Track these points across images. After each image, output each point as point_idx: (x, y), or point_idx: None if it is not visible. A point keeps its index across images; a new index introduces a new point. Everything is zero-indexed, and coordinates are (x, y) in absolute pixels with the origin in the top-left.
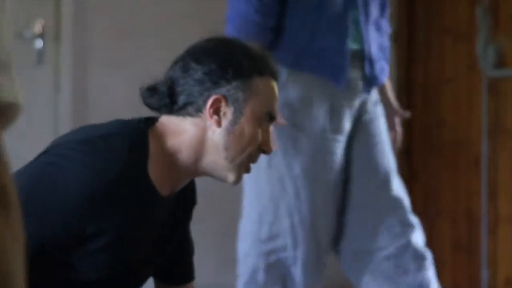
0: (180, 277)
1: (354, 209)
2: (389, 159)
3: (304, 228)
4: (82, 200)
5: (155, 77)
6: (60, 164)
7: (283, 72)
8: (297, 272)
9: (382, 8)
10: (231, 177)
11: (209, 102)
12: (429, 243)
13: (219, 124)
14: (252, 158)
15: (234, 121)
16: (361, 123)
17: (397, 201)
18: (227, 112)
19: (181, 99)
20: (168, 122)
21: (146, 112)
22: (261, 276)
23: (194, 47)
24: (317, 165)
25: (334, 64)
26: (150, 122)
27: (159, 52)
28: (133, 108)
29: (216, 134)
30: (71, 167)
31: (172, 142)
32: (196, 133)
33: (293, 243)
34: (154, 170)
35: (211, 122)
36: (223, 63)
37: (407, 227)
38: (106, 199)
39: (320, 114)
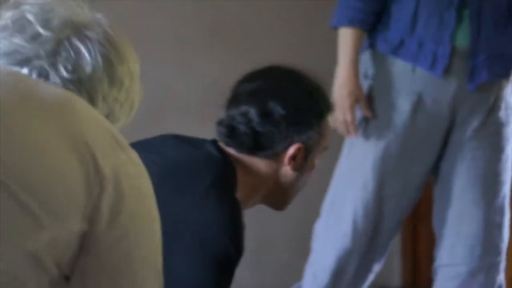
0: None
1: (436, 214)
2: (501, 176)
3: (366, 222)
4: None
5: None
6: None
7: (379, 58)
8: (350, 265)
9: None
10: (285, 207)
11: (291, 150)
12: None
13: (294, 169)
14: None
15: (306, 164)
16: (468, 125)
17: (490, 224)
18: (302, 157)
19: (259, 141)
20: (243, 159)
21: (155, 115)
22: (328, 260)
23: (271, 85)
24: (389, 160)
25: (433, 52)
26: (222, 152)
27: (163, 53)
28: (141, 112)
29: (287, 175)
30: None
31: (247, 179)
32: (269, 174)
33: (353, 234)
34: None
35: (286, 164)
36: (306, 111)
37: (491, 254)
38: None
39: (405, 108)
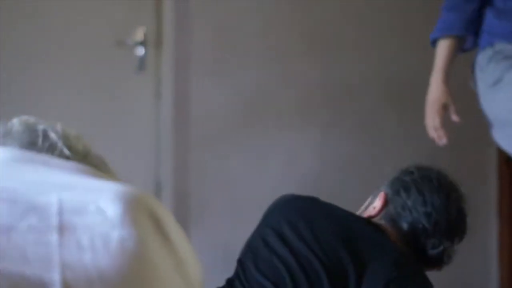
0: None
1: None
2: None
3: None
4: None
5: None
6: None
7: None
8: None
9: None
10: None
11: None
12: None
13: None
14: None
15: None
16: None
17: None
18: None
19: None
20: None
21: (254, 120)
22: None
23: (455, 207)
24: None
25: None
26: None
27: (262, 58)
28: (235, 117)
29: None
30: None
31: None
32: None
33: None
34: None
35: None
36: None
37: None
38: None
39: None
